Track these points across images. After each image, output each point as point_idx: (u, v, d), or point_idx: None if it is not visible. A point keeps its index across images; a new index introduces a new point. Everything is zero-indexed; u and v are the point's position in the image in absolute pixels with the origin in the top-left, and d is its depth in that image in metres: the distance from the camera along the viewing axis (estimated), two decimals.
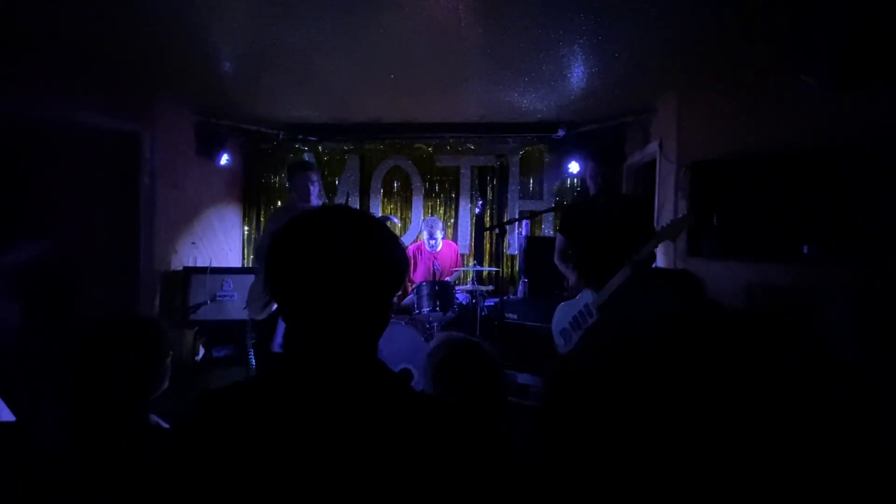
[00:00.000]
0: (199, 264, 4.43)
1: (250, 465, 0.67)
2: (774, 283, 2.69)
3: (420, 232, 4.90)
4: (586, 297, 2.70)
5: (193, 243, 4.52)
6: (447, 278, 4.22)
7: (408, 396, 0.75)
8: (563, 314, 2.90)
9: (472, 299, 3.99)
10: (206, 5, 2.43)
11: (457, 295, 3.88)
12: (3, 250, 2.45)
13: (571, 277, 2.87)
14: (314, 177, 3.22)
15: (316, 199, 3.25)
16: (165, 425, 1.16)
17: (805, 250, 2.64)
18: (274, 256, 0.76)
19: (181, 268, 4.30)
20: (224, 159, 4.63)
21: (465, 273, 4.19)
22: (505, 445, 0.71)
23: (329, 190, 5.22)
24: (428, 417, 0.73)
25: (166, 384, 1.23)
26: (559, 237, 3.00)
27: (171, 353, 1.24)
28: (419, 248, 4.47)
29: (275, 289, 0.76)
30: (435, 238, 4.38)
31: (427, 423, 0.72)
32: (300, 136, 5.10)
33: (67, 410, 0.86)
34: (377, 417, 0.70)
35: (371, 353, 0.77)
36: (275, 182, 5.33)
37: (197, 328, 4.20)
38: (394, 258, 0.77)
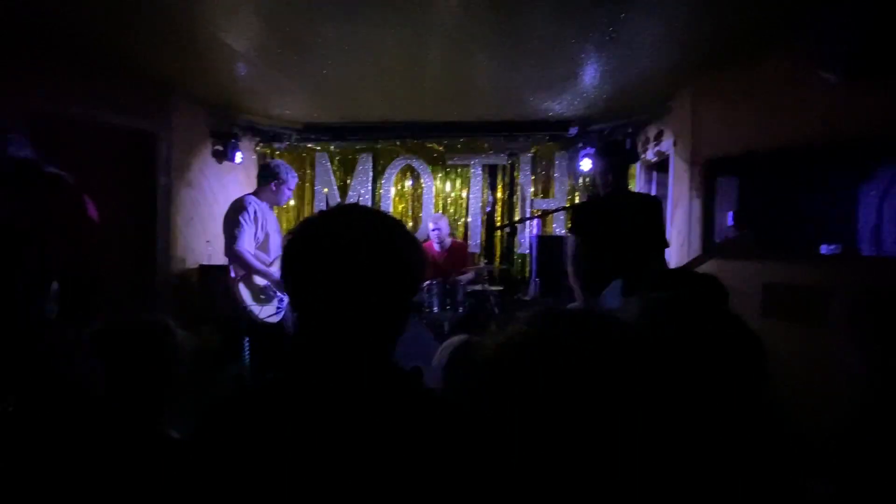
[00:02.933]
0: (214, 263, 4.48)
1: (263, 467, 0.68)
2: (792, 283, 2.64)
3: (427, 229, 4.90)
4: (610, 301, 2.45)
5: (208, 241, 4.57)
6: (458, 277, 4.22)
7: (419, 397, 0.76)
8: None
9: (482, 298, 3.99)
10: (221, 6, 2.46)
11: (467, 294, 3.87)
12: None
13: (579, 293, 2.63)
14: (293, 181, 3.39)
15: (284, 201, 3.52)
16: (177, 436, 1.16)
17: (823, 250, 2.60)
18: (290, 256, 0.76)
19: (196, 266, 4.36)
20: (238, 158, 4.67)
21: (476, 272, 4.18)
22: (512, 445, 0.71)
23: (341, 189, 5.25)
24: (437, 418, 0.73)
25: (182, 386, 1.24)
26: (571, 240, 2.75)
27: (186, 354, 1.24)
28: (429, 247, 4.47)
29: (291, 288, 0.77)
30: (438, 228, 4.35)
31: (437, 424, 0.72)
32: (312, 136, 5.14)
33: (76, 416, 0.86)
34: (389, 420, 0.70)
35: (386, 353, 0.77)
36: None
37: (212, 326, 4.25)
38: (410, 260, 0.77)
